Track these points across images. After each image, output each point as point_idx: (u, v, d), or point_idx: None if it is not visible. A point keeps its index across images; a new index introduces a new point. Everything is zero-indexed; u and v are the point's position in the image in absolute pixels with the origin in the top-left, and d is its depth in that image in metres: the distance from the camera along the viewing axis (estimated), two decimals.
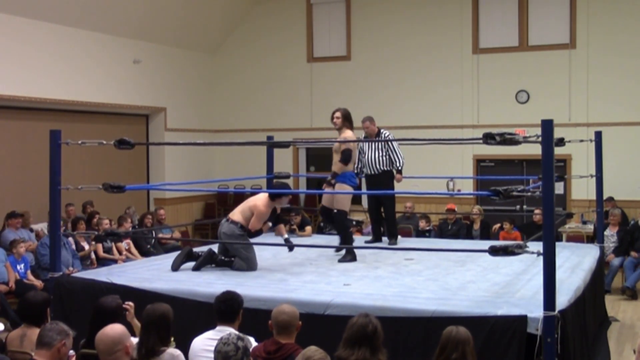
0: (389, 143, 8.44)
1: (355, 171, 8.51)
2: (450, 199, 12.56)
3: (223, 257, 7.03)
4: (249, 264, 6.85)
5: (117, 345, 3.73)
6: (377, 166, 8.50)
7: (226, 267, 6.94)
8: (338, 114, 7.81)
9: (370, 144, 8.51)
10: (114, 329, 3.82)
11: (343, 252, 7.50)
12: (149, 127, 14.12)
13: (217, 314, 4.47)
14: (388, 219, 8.83)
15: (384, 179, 8.53)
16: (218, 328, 4.39)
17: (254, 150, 12.50)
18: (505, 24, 13.18)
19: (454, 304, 5.28)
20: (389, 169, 8.55)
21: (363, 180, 9.02)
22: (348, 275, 6.57)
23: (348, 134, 7.69)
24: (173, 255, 8.31)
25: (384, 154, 8.50)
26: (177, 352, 4.20)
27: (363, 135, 8.79)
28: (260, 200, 7.12)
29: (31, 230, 10.26)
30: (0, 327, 5.16)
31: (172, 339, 4.33)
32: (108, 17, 12.13)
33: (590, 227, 11.19)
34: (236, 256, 6.94)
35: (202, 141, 13.14)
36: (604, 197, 9.58)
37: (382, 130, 8.68)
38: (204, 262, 6.98)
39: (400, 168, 8.56)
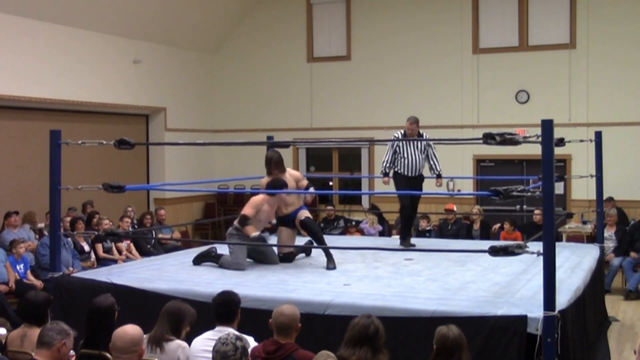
0: (431, 147, 8.36)
1: (385, 171, 8.41)
2: (450, 199, 12.56)
3: (213, 253, 7.21)
4: (235, 262, 6.91)
5: (135, 346, 3.80)
6: (420, 168, 8.38)
7: (217, 263, 7.07)
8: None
9: (411, 146, 8.24)
10: (135, 329, 3.89)
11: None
12: (149, 127, 14.12)
13: (215, 316, 4.49)
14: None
15: (420, 181, 8.46)
16: (217, 328, 4.40)
17: (254, 150, 12.51)
18: (505, 24, 13.17)
19: (454, 304, 5.28)
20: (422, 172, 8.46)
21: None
22: (348, 275, 6.57)
23: (287, 174, 7.41)
24: (173, 255, 8.39)
25: (424, 156, 8.39)
26: (185, 344, 4.33)
27: (402, 134, 8.49)
28: (257, 196, 7.29)
29: (34, 231, 10.24)
30: (3, 331, 5.17)
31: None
32: (108, 17, 12.13)
33: (589, 227, 11.19)
34: (229, 252, 7.06)
35: (202, 141, 13.14)
36: (604, 197, 9.59)
37: (421, 132, 8.55)
38: (204, 258, 7.22)
39: (440, 171, 8.48)
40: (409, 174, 8.32)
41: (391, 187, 8.72)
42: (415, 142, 8.22)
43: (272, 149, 7.87)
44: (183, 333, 4.49)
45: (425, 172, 8.55)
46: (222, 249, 7.41)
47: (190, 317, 4.53)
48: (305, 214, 7.43)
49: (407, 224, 8.61)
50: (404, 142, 8.25)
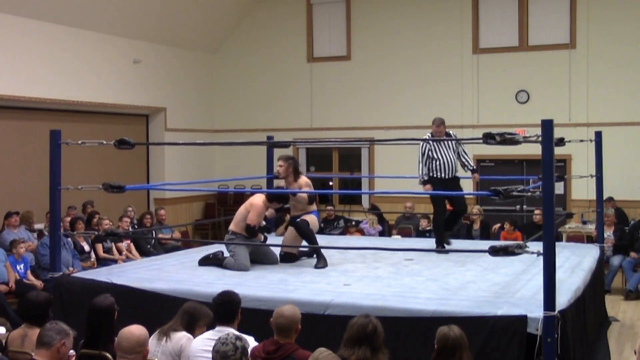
0: (460, 145, 8.12)
1: (423, 178, 8.08)
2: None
3: (219, 256, 7.21)
4: (238, 264, 6.91)
5: (140, 347, 3.81)
6: (454, 169, 8.13)
7: (221, 266, 7.05)
8: (281, 163, 7.46)
9: (443, 147, 7.98)
10: (140, 330, 3.90)
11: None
12: (149, 127, 14.12)
13: (216, 315, 4.50)
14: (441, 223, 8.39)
15: (456, 182, 8.19)
16: (217, 328, 4.40)
17: (254, 150, 12.51)
18: (505, 24, 13.17)
19: (454, 304, 5.28)
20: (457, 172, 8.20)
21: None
22: (348, 275, 6.57)
23: (302, 181, 7.44)
24: (173, 255, 8.39)
25: (456, 156, 8.13)
26: (190, 336, 4.44)
27: (430, 137, 8.13)
28: (256, 198, 7.28)
29: (32, 230, 10.24)
30: (2, 330, 5.17)
31: None
32: (108, 17, 12.13)
33: (589, 227, 11.19)
34: (230, 255, 7.06)
35: (202, 141, 13.14)
36: (604, 197, 9.58)
37: (450, 132, 8.28)
38: (209, 261, 7.23)
39: (474, 167, 8.32)
40: (445, 176, 8.06)
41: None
42: (446, 143, 7.95)
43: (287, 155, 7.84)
44: (197, 332, 4.56)
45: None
46: (226, 251, 7.42)
47: (205, 318, 4.62)
48: (309, 217, 7.39)
49: (440, 230, 8.34)
50: (435, 144, 7.98)
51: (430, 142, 7.98)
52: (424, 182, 8.12)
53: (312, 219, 7.45)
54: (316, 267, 6.98)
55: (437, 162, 8.07)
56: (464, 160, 8.20)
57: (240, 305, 4.56)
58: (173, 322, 4.60)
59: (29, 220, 10.23)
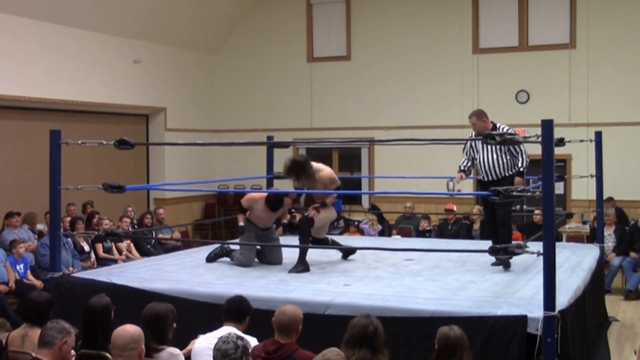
0: (514, 143, 6.48)
1: (460, 168, 7.18)
2: (450, 199, 12.56)
3: (227, 249, 7.34)
4: (242, 259, 7.02)
5: (133, 344, 3.79)
6: (498, 170, 6.91)
7: (226, 265, 7.06)
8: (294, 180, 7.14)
9: (482, 145, 6.93)
10: (134, 327, 3.89)
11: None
12: (149, 127, 14.12)
13: (226, 312, 4.51)
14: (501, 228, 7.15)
15: (505, 185, 6.27)
16: (224, 328, 4.40)
17: (254, 150, 12.51)
18: (505, 24, 13.18)
19: (454, 304, 5.28)
20: (511, 172, 6.90)
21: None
22: (348, 275, 6.57)
23: (322, 173, 7.04)
24: (173, 255, 8.39)
25: (505, 153, 6.89)
26: (177, 351, 4.20)
27: (472, 134, 7.15)
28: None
29: (34, 231, 10.24)
30: None
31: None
32: (108, 17, 12.13)
33: (587, 227, 11.19)
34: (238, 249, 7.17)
35: (202, 141, 13.14)
36: (604, 197, 9.59)
37: (499, 125, 6.91)
38: (218, 255, 7.34)
39: (522, 169, 6.85)
40: (483, 178, 7.04)
41: (465, 186, 7.49)
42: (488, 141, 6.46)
43: (297, 155, 7.71)
44: (170, 334, 4.24)
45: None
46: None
47: (171, 314, 4.28)
48: (323, 214, 7.18)
49: (495, 236, 7.09)
50: (476, 142, 6.97)
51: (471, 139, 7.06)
52: (460, 170, 7.17)
53: (320, 216, 7.12)
54: (290, 271, 6.70)
55: (477, 163, 7.13)
56: (516, 160, 6.93)
57: (251, 311, 4.58)
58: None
59: (33, 221, 10.24)
